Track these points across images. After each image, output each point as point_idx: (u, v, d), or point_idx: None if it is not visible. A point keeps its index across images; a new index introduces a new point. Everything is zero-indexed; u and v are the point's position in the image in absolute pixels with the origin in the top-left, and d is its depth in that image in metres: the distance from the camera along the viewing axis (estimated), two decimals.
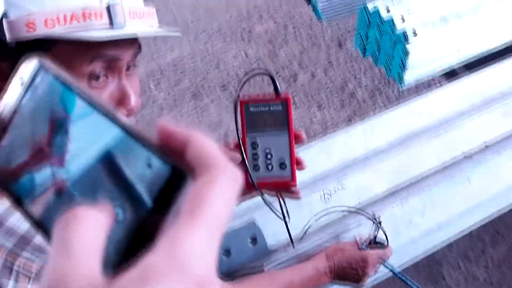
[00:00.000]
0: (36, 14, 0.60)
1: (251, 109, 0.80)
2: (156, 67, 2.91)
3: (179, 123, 0.30)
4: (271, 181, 0.82)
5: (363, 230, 1.22)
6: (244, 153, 0.80)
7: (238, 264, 1.24)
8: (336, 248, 1.14)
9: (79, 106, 0.30)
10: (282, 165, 0.81)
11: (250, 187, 0.81)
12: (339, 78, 2.69)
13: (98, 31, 0.64)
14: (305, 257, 1.16)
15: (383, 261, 1.14)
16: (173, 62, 2.94)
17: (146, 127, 2.51)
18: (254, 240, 1.26)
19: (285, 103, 0.80)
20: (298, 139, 0.81)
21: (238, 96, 0.81)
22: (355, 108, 2.49)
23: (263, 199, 0.83)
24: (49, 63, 0.32)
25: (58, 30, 0.61)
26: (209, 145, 0.28)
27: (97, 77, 0.67)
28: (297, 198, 0.84)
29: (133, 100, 0.72)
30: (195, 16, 3.33)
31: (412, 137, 1.49)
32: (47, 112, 0.31)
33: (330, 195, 1.33)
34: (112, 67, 0.69)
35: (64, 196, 0.30)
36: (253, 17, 3.25)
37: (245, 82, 0.81)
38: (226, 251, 1.24)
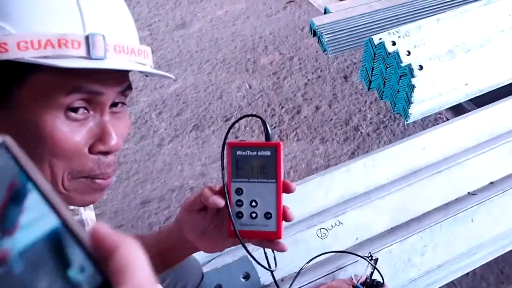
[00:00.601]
0: (11, 36, 0.60)
1: (238, 152, 0.77)
2: (159, 97, 2.94)
3: (114, 228, 0.31)
4: (254, 230, 0.79)
5: (359, 268, 1.22)
6: (227, 198, 0.78)
7: None
8: (330, 286, 1.14)
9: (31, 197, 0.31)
10: (267, 215, 0.78)
11: (232, 235, 0.79)
12: (344, 111, 2.71)
13: (73, 61, 0.62)
14: None
15: None
16: (175, 92, 2.98)
17: (146, 157, 2.53)
18: (246, 275, 1.25)
19: (275, 149, 0.76)
20: (286, 189, 0.78)
21: (226, 138, 0.79)
22: (359, 142, 2.49)
23: (245, 248, 0.80)
24: (13, 144, 0.33)
25: (31, 54, 0.60)
26: (132, 257, 0.29)
27: (75, 110, 0.66)
28: (282, 250, 0.80)
29: (114, 140, 0.70)
30: (200, 46, 3.38)
31: (415, 174, 1.50)
32: (3, 186, 0.32)
33: (327, 231, 1.33)
34: (93, 101, 0.68)
35: (4, 267, 0.30)
36: (258, 48, 3.30)
37: (234, 124, 0.80)
38: (217, 287, 1.24)
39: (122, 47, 0.67)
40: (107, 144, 0.69)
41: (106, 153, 0.71)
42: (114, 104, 0.72)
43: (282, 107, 2.79)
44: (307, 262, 1.22)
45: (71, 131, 0.66)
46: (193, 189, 2.32)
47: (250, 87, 2.98)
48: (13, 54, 0.60)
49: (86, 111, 0.68)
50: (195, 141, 2.62)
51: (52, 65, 0.60)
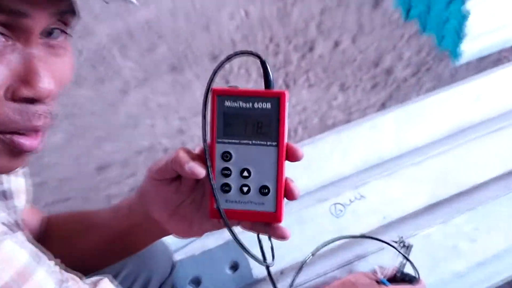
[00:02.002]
0: None
1: (227, 103, 0.75)
2: (123, 28, 2.94)
3: None
4: (245, 210, 0.76)
5: (385, 257, 1.22)
6: (210, 165, 0.75)
7: None
8: (345, 282, 1.14)
9: None
10: (263, 190, 0.76)
11: (215, 215, 0.76)
12: (372, 49, 2.68)
13: None
14: None
15: None
16: (147, 22, 2.97)
17: (105, 108, 2.52)
18: (234, 265, 1.26)
19: (277, 100, 0.74)
20: (291, 156, 0.75)
21: (210, 83, 0.74)
22: (391, 90, 2.47)
23: (232, 233, 0.75)
24: None
25: None
26: None
27: None
28: (283, 238, 0.78)
29: (43, 82, 0.66)
30: None
31: (463, 132, 1.49)
32: None
33: (344, 207, 1.33)
34: (15, 27, 0.64)
35: None
36: None
37: (222, 65, 0.74)
38: (194, 280, 1.24)
39: None
40: (32, 88, 0.66)
41: (32, 100, 0.67)
42: (49, 33, 0.69)
43: (290, 42, 2.78)
44: (312, 254, 1.21)
45: None
46: (167, 150, 2.33)
47: (246, 15, 2.97)
48: None
49: (4, 40, 0.64)
50: (172, 87, 2.63)
51: None
